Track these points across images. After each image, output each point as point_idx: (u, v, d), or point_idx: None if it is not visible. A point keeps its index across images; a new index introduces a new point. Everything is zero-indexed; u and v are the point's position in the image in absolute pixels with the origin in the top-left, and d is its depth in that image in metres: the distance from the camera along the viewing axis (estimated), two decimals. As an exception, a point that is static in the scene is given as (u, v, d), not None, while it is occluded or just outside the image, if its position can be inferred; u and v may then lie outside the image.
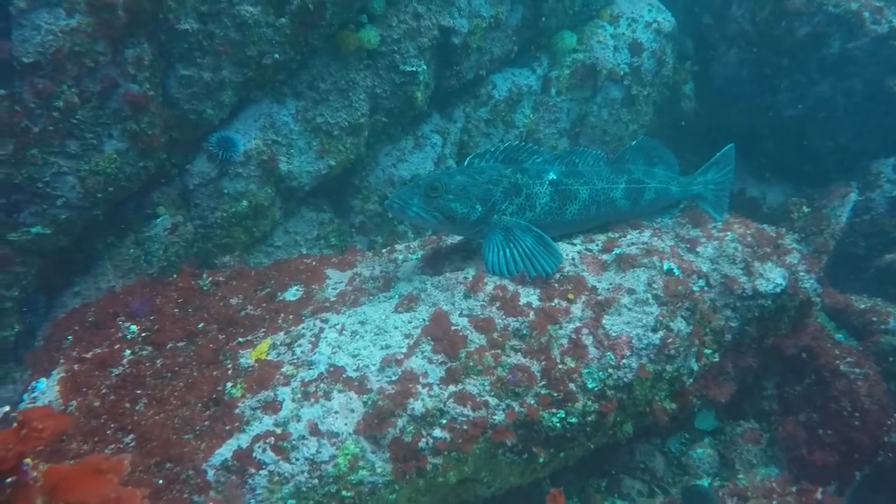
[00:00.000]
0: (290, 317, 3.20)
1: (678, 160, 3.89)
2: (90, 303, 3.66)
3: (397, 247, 3.73)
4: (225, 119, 3.97)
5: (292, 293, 3.38)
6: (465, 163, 3.37)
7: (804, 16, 4.83)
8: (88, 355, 3.13)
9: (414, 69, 4.19)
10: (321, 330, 3.01)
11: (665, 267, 3.23)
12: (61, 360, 3.27)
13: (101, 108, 3.60)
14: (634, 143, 3.74)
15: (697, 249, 3.41)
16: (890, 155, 5.32)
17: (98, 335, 3.33)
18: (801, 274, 3.45)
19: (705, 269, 3.30)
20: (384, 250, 3.70)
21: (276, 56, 3.82)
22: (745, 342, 3.41)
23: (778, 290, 3.34)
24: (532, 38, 4.77)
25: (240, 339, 3.14)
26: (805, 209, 5.23)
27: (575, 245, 3.42)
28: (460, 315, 2.97)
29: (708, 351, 3.15)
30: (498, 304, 3.00)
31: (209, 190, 4.00)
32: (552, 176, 3.39)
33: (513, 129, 4.79)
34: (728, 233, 3.55)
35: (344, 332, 2.98)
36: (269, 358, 2.90)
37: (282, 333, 3.08)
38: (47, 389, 3.04)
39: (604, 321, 2.97)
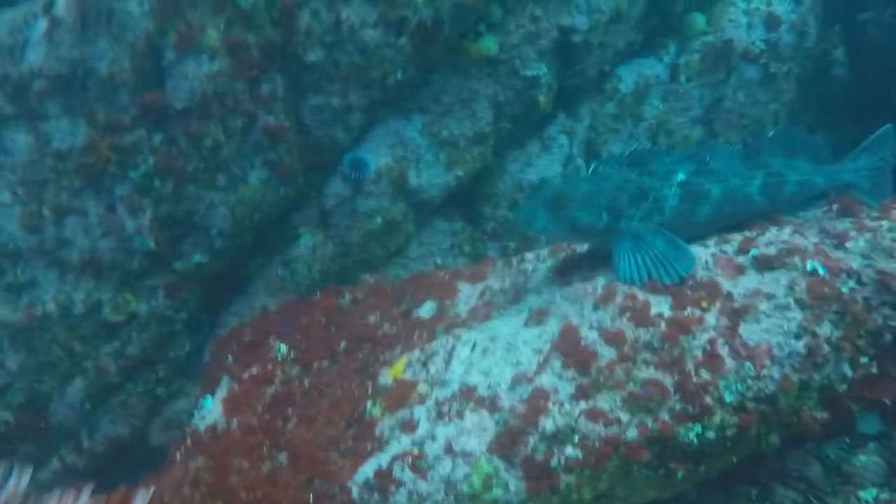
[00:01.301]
0: (425, 333, 3.32)
1: (832, 138, 3.63)
2: (246, 323, 3.97)
3: (527, 255, 3.75)
4: (355, 140, 4.15)
5: (427, 309, 3.51)
6: (590, 171, 3.33)
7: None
8: (245, 375, 3.41)
9: (535, 73, 4.18)
10: (453, 347, 3.11)
11: (808, 267, 3.04)
12: (225, 378, 3.59)
13: (244, 142, 3.88)
14: (773, 132, 3.53)
15: (847, 244, 3.17)
16: None
17: (253, 354, 3.62)
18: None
19: (856, 265, 3.07)
20: (515, 259, 3.74)
21: (399, 76, 3.94)
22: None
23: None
24: (657, 25, 4.61)
25: (379, 357, 3.30)
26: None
27: (708, 247, 3.28)
28: (590, 328, 2.96)
29: (864, 358, 2.94)
30: (628, 314, 2.96)
31: (345, 210, 4.21)
32: (681, 176, 3.28)
33: (642, 121, 4.66)
34: (885, 221, 3.28)
35: (476, 348, 3.06)
36: (405, 377, 3.04)
37: (417, 351, 3.20)
38: (213, 408, 3.35)
39: (741, 330, 2.85)
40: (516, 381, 2.80)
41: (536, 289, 3.34)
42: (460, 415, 2.74)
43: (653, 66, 4.64)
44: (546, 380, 2.79)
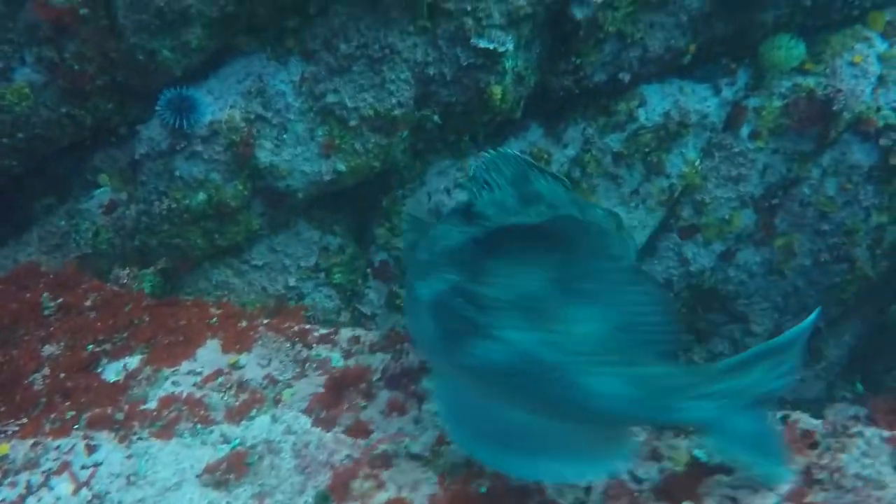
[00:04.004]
0: (70, 414, 1.86)
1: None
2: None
3: (342, 333, 2.21)
4: (195, 70, 2.70)
5: (117, 369, 2.03)
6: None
7: None
8: None
9: (493, 47, 2.58)
10: (64, 467, 1.63)
11: None
12: None
13: (10, 17, 2.51)
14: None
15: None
16: None
17: None
18: None
19: None
20: (316, 333, 2.20)
21: (275, -15, 2.46)
22: None
23: None
24: (728, 38, 2.88)
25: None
26: None
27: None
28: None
29: None
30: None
31: (157, 167, 2.78)
32: None
33: (659, 176, 2.97)
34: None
35: (91, 485, 1.58)
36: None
37: (30, 441, 1.75)
38: None
39: None
40: None
41: (277, 413, 1.80)
42: None
43: (703, 97, 2.93)
44: None
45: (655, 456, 1.66)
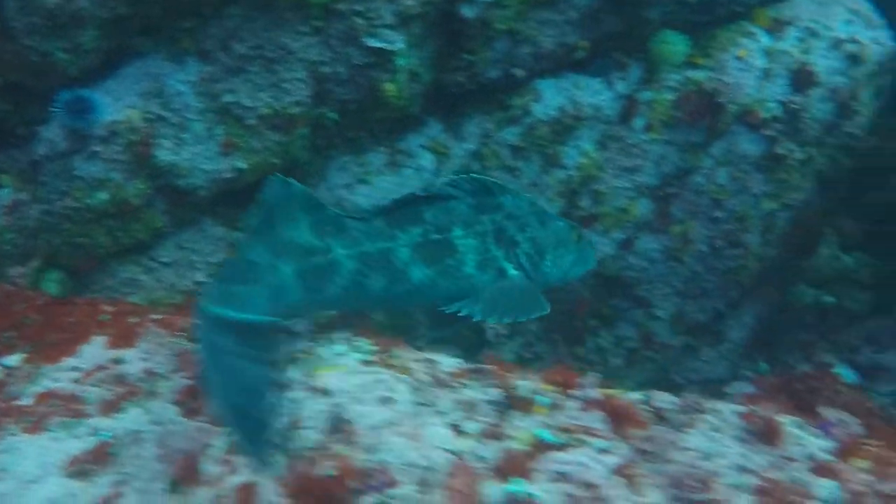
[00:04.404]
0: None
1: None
2: None
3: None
4: (93, 71, 2.73)
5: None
6: None
7: None
8: None
9: (383, 46, 2.65)
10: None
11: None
12: None
13: None
14: None
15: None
16: None
17: None
18: None
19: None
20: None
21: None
22: None
23: None
24: (619, 34, 2.98)
25: None
26: None
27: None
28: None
29: None
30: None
31: (57, 167, 2.80)
32: None
33: (557, 168, 3.07)
34: None
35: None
36: None
37: None
38: None
39: None
40: None
41: (153, 401, 1.87)
42: None
43: (596, 91, 3.03)
44: None
45: (497, 436, 1.76)
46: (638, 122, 3.07)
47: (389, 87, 2.73)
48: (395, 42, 2.66)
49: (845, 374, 3.50)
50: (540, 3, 2.76)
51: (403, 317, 3.20)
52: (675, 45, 2.92)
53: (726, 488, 1.74)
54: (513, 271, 2.19)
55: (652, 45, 2.96)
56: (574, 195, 3.14)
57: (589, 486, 1.64)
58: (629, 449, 1.76)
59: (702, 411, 2.05)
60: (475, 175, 2.18)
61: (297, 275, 2.00)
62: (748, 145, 3.11)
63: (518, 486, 1.63)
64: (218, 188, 2.88)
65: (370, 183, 2.98)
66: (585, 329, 3.47)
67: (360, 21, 2.64)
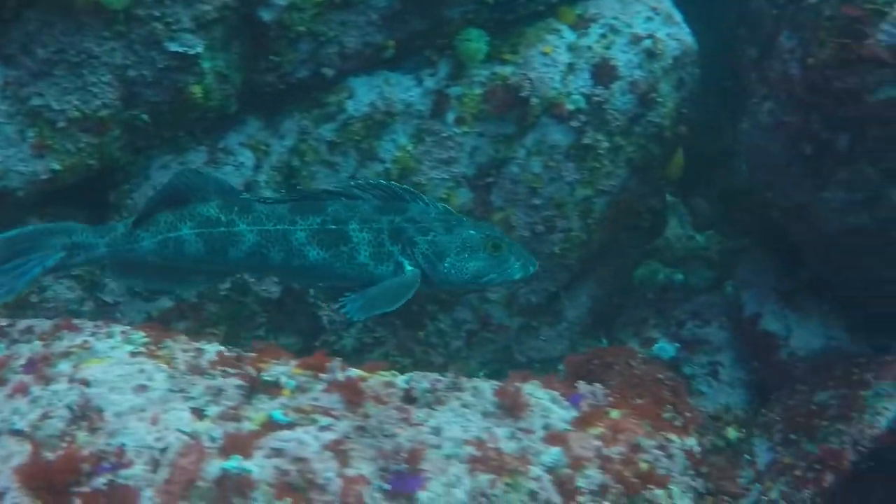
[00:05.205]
0: None
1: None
2: None
3: (19, 324, 2.38)
4: None
5: None
6: None
7: (888, 70, 2.80)
8: None
9: (185, 50, 2.76)
10: None
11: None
12: None
13: None
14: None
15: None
16: None
17: None
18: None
19: None
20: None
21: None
22: None
23: None
24: (426, 32, 3.14)
25: None
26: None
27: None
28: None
29: None
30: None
31: None
32: None
33: (375, 161, 3.22)
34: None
35: None
36: None
37: None
38: None
39: None
40: None
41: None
42: None
43: (406, 87, 3.19)
44: None
45: (236, 418, 1.92)
46: (450, 116, 3.23)
47: (196, 89, 2.85)
48: (196, 46, 2.77)
49: (665, 348, 3.74)
50: (337, 6, 2.90)
51: (240, 307, 3.34)
52: (476, 42, 3.08)
53: (440, 459, 1.92)
54: (409, 267, 2.47)
55: (456, 43, 3.12)
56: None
57: (300, 460, 1.80)
58: (350, 426, 1.93)
59: (460, 389, 2.24)
60: (391, 183, 2.56)
61: (198, 236, 2.44)
62: (558, 136, 3.30)
63: (234, 463, 1.79)
64: (36, 189, 2.97)
65: (191, 180, 3.09)
66: (424, 313, 3.64)
67: (159, 26, 2.74)
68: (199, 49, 2.78)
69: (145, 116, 2.93)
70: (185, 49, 2.76)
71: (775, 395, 3.53)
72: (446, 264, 2.49)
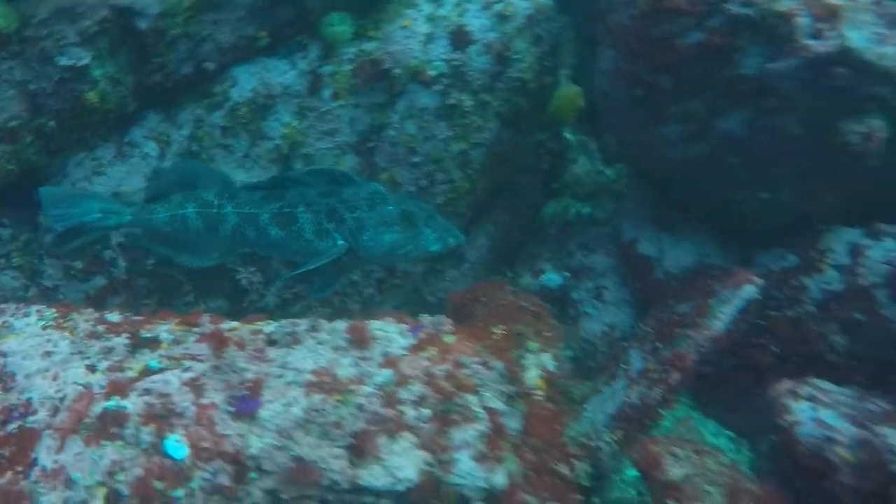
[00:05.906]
0: None
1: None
2: None
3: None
4: None
5: None
6: None
7: (689, 17, 3.17)
8: None
9: (74, 63, 3.18)
10: None
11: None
12: None
13: None
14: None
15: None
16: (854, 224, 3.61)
17: None
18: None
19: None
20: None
21: None
22: None
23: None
24: (294, 21, 3.52)
25: None
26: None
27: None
28: None
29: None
30: None
31: None
32: None
33: (264, 140, 3.64)
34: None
35: None
36: None
37: None
38: None
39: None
40: None
41: None
42: None
43: (283, 72, 3.58)
44: None
45: (121, 369, 2.40)
46: (325, 93, 3.63)
47: (91, 96, 3.27)
48: (83, 58, 3.18)
49: (552, 278, 4.18)
50: (206, 8, 3.28)
51: (167, 279, 3.80)
52: (338, 25, 3.46)
53: (281, 386, 2.39)
54: (340, 241, 3.02)
55: (320, 28, 3.50)
56: (287, 160, 3.71)
57: (163, 395, 2.28)
58: (208, 367, 2.40)
59: (317, 330, 2.69)
60: (337, 169, 3.22)
61: (198, 214, 3.10)
62: (425, 99, 3.69)
63: (113, 402, 2.27)
64: (-36, 192, 3.42)
65: (105, 174, 3.54)
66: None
67: (49, 43, 3.15)
68: (87, 60, 3.18)
69: (52, 123, 3.35)
70: (74, 62, 3.17)
71: (651, 310, 3.97)
72: (365, 237, 3.01)
